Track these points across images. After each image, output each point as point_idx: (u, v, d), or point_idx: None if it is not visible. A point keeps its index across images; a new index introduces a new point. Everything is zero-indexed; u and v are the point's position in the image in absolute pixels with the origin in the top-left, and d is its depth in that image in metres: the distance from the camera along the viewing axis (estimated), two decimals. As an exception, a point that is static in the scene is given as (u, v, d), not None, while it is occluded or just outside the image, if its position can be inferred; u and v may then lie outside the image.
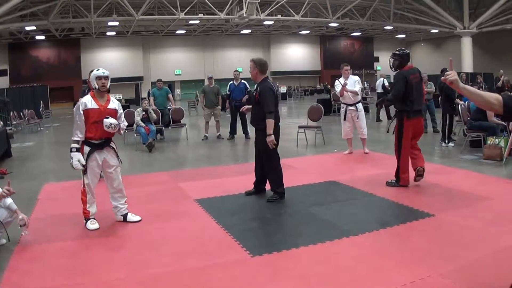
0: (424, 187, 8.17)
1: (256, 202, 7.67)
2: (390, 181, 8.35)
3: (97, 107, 6.34)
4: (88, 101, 6.34)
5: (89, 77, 6.46)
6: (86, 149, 6.37)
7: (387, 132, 7.91)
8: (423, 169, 8.14)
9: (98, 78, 6.38)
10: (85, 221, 6.45)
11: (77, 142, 6.34)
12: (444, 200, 7.23)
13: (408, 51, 8.33)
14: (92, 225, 6.38)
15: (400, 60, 8.11)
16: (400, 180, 8.18)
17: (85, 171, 6.36)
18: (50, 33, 41.56)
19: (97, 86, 6.37)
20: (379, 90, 21.75)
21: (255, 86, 7.69)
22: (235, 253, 5.35)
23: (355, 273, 4.69)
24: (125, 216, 6.67)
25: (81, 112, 6.26)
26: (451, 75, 3.68)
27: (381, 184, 8.48)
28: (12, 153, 13.73)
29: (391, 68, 8.28)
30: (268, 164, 7.69)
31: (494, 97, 3.57)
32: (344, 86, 11.56)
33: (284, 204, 7.43)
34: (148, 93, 45.44)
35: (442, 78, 3.77)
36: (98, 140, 6.43)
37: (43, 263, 5.21)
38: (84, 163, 6.31)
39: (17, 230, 5.93)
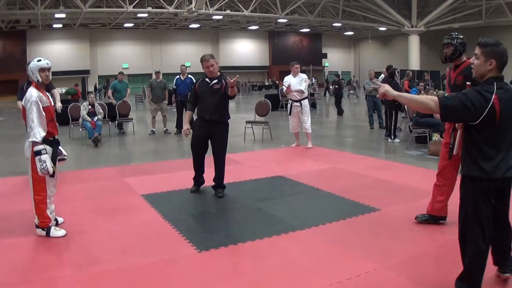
0: (370, 182, 8.30)
1: (203, 197, 7.66)
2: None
3: (49, 104, 5.83)
4: (41, 96, 5.72)
5: (28, 68, 5.83)
6: (49, 149, 5.71)
7: (451, 154, 5.06)
8: None
9: (42, 69, 5.75)
10: (45, 231, 5.83)
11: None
12: (390, 195, 7.37)
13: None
14: (58, 231, 5.87)
15: (462, 49, 5.73)
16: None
17: (53, 175, 5.78)
18: (-4, 25, 40.59)
19: (40, 79, 5.74)
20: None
21: (215, 80, 7.54)
22: (182, 248, 5.34)
23: (302, 267, 4.74)
24: (57, 220, 6.19)
25: (41, 107, 5.63)
26: (381, 87, 3.77)
27: (326, 178, 8.58)
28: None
29: (445, 60, 5.89)
30: (222, 160, 7.66)
31: (431, 99, 3.66)
32: (288, 87, 11.84)
33: (231, 199, 7.44)
34: (95, 87, 45.05)
35: (372, 87, 3.84)
36: (54, 137, 5.96)
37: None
38: (52, 165, 5.68)
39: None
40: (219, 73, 7.64)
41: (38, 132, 5.51)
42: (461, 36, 5.80)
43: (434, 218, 5.88)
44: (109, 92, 16.45)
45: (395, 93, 3.81)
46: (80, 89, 33.47)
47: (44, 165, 5.46)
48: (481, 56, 3.66)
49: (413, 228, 5.83)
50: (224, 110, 7.64)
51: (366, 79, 19.18)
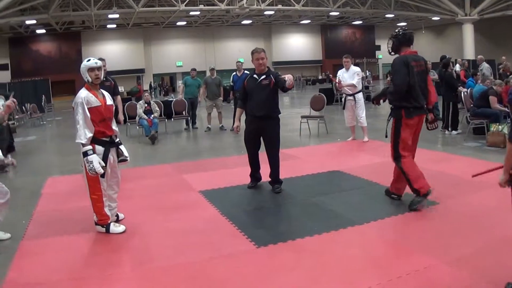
0: (429, 175, 8.09)
1: (260, 193, 7.68)
2: (412, 203, 6.27)
3: (100, 103, 5.80)
4: (90, 96, 5.76)
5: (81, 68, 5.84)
6: (100, 149, 5.77)
7: (386, 136, 6.80)
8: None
9: (91, 69, 5.78)
10: (105, 228, 5.96)
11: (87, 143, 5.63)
12: (449, 188, 7.21)
13: (408, 32, 6.63)
14: (118, 227, 6.00)
15: (396, 43, 6.57)
16: (419, 191, 6.26)
17: (103, 175, 5.78)
18: (51, 27, 41.54)
19: (90, 79, 5.78)
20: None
21: (263, 75, 7.49)
22: (240, 244, 5.36)
23: (360, 262, 4.71)
24: (118, 215, 6.37)
25: (86, 108, 5.65)
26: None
27: (384, 172, 8.45)
28: (15, 147, 13.72)
29: (389, 52, 6.79)
30: (276, 155, 7.65)
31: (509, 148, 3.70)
32: (338, 82, 12.10)
33: (289, 195, 7.42)
34: (150, 85, 45.70)
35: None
36: (110, 137, 5.99)
37: (48, 257, 5.22)
38: (104, 164, 5.71)
39: (21, 226, 5.96)
40: (267, 69, 7.64)
41: (84, 134, 5.58)
42: (401, 32, 6.54)
43: None
44: (181, 87, 17.12)
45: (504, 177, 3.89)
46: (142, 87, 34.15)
47: (91, 165, 5.52)
48: None
49: (472, 221, 5.71)
50: (273, 105, 7.58)
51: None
